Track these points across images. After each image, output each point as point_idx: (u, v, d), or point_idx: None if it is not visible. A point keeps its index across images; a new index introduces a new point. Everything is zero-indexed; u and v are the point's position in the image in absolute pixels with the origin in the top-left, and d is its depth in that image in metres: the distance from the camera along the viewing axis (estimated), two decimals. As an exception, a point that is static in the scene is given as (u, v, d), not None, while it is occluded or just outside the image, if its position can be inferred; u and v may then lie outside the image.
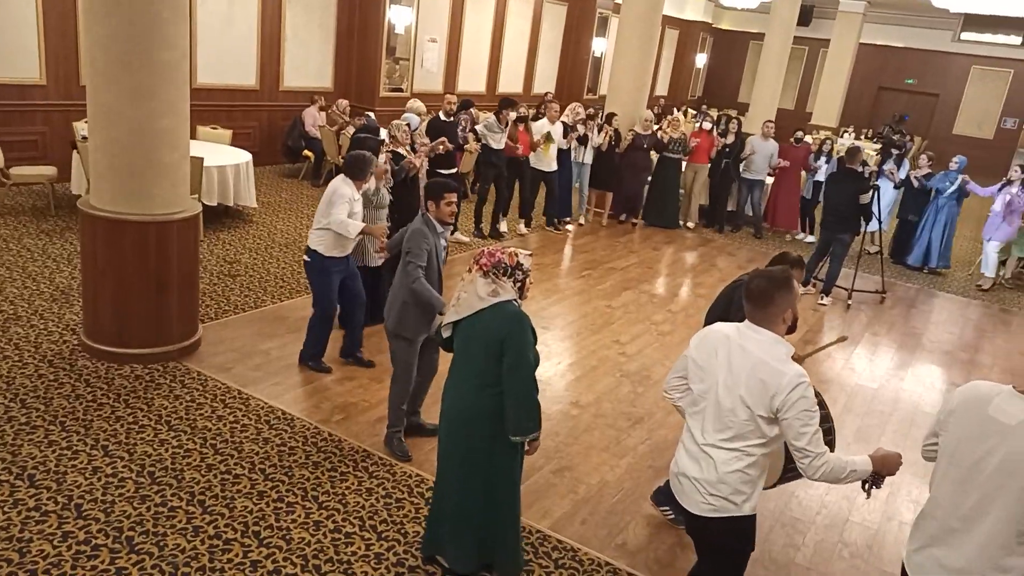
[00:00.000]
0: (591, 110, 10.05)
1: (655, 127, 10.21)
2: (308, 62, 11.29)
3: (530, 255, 3.19)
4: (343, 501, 3.85)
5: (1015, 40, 21.16)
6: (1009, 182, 9.43)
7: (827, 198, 8.20)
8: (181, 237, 4.88)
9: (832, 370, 6.47)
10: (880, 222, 9.08)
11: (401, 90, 12.39)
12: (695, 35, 23.32)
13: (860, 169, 8.03)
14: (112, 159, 4.61)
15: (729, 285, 4.14)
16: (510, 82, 16.13)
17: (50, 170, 7.70)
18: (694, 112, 17.98)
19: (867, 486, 2.62)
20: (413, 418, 4.49)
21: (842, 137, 17.90)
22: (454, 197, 4.13)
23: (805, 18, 19.60)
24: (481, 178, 9.13)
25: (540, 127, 9.05)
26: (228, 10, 9.92)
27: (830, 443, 3.08)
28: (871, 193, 7.74)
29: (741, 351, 2.58)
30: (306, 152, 10.42)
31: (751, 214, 10.79)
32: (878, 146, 18.95)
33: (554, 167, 9.20)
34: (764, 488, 2.79)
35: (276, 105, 10.89)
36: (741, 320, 2.70)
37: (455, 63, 14.34)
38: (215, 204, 7.67)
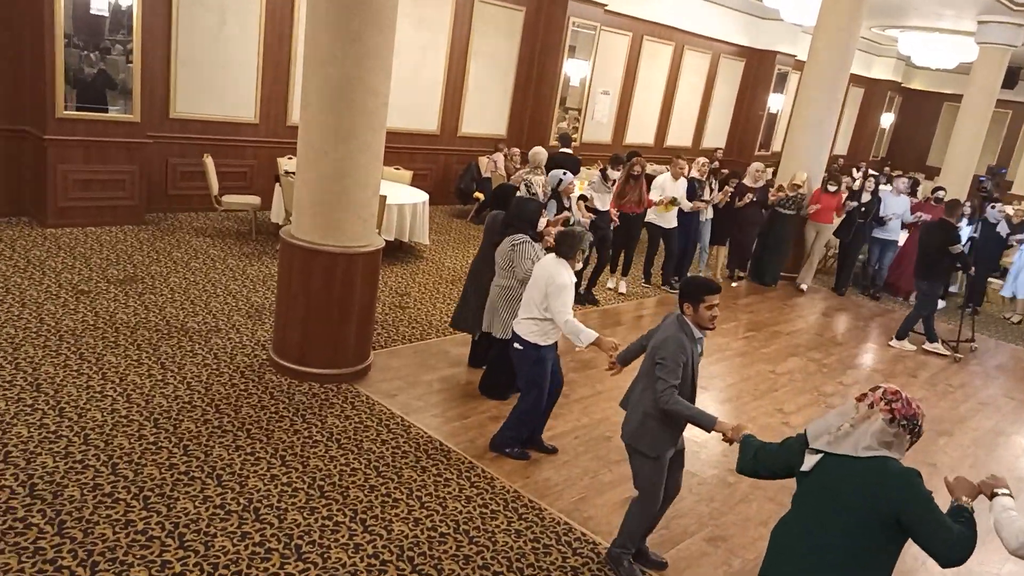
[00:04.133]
0: (716, 163, 9.62)
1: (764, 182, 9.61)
2: (486, 111, 11.87)
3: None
4: (492, 539, 3.90)
5: None
6: None
7: (920, 248, 8.23)
8: (365, 269, 5.24)
9: (1030, 468, 5.78)
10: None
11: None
12: (882, 94, 22.18)
13: (956, 223, 8.12)
14: (314, 194, 5.06)
15: None
16: (679, 135, 16.08)
17: (255, 200, 8.56)
18: (874, 173, 16.96)
19: None
20: (641, 545, 3.95)
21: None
22: (716, 299, 3.52)
23: (1011, 80, 18.06)
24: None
25: (661, 183, 8.44)
26: (420, 60, 10.67)
27: None
28: (962, 244, 7.96)
29: None
30: (477, 194, 10.88)
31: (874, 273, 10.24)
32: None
33: (674, 223, 8.58)
34: None
35: (453, 149, 11.50)
36: None
37: (625, 115, 14.52)
38: (392, 239, 8.17)
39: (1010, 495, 2.53)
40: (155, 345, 5.47)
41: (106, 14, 7.44)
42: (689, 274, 9.20)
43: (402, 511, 4.01)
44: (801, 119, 10.34)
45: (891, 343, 8.21)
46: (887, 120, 23.16)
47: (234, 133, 9.14)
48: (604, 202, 7.86)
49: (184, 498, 3.83)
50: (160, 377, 5.03)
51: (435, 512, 4.05)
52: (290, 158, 8.89)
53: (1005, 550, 2.42)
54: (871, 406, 2.54)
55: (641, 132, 15.05)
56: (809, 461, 2.59)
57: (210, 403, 4.81)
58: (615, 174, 8.00)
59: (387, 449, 4.60)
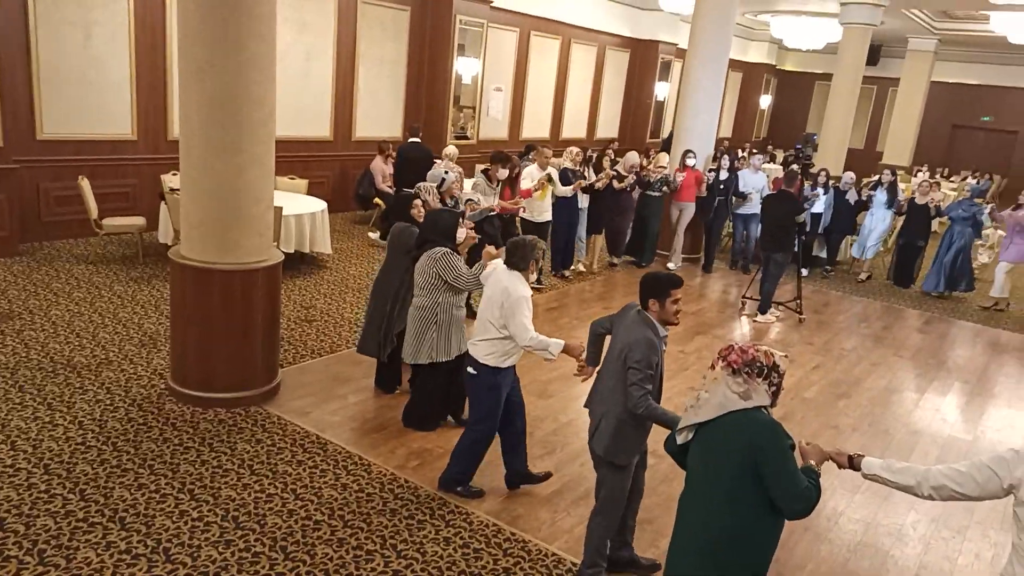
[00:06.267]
0: (590, 153, 9.54)
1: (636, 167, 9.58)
2: (379, 113, 11.66)
3: (785, 356, 2.74)
4: (421, 550, 3.82)
5: (1099, 74, 20.32)
6: (1019, 205, 9.71)
7: (763, 220, 8.56)
8: (265, 284, 5.03)
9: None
10: (864, 248, 10.52)
11: (467, 137, 12.65)
12: (759, 77, 23.22)
13: (795, 191, 8.50)
14: (203, 211, 4.81)
15: None
16: (574, 128, 16.32)
17: (140, 220, 8.09)
18: (756, 152, 17.77)
19: None
20: (624, 552, 3.85)
21: (915, 176, 17.39)
22: (680, 292, 3.44)
23: (873, 57, 19.31)
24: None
25: (530, 174, 8.07)
26: (306, 65, 10.37)
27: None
28: (804, 214, 8.36)
29: None
30: (377, 200, 10.68)
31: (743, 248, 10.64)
32: (954, 185, 18.43)
33: (547, 217, 8.28)
34: None
35: (349, 155, 11.24)
36: None
37: (520, 110, 14.60)
38: (292, 251, 7.90)
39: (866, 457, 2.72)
40: (39, 385, 5.08)
41: (-47, 31, 6.85)
42: (579, 266, 9.36)
43: (324, 533, 3.87)
44: (688, 105, 10.66)
45: (757, 318, 8.37)
46: (765, 101, 24.30)
47: (111, 152, 8.61)
48: (491, 203, 7.46)
49: (85, 546, 3.56)
50: (48, 419, 4.66)
51: (359, 530, 3.93)
52: (174, 174, 8.43)
53: (914, 499, 2.56)
54: (712, 367, 2.70)
55: (536, 126, 15.18)
56: (684, 437, 2.73)
57: (106, 441, 4.50)
58: (504, 172, 7.52)
59: (304, 470, 4.43)
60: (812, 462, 2.69)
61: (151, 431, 4.67)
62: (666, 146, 13.92)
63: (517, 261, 4.08)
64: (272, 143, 4.95)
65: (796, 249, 8.30)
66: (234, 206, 4.80)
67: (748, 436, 2.53)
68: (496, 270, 4.23)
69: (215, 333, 4.94)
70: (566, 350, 4.03)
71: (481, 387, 4.19)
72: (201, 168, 4.75)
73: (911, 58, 19.86)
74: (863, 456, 2.73)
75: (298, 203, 8.34)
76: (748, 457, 2.51)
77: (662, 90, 17.91)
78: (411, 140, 9.98)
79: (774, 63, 24.06)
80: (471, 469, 4.34)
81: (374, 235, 9.95)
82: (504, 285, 4.04)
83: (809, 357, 7.41)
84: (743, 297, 8.74)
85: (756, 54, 22.64)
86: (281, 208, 7.36)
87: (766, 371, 2.61)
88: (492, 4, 12.34)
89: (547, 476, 4.53)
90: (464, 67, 12.07)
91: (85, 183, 7.81)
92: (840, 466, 2.78)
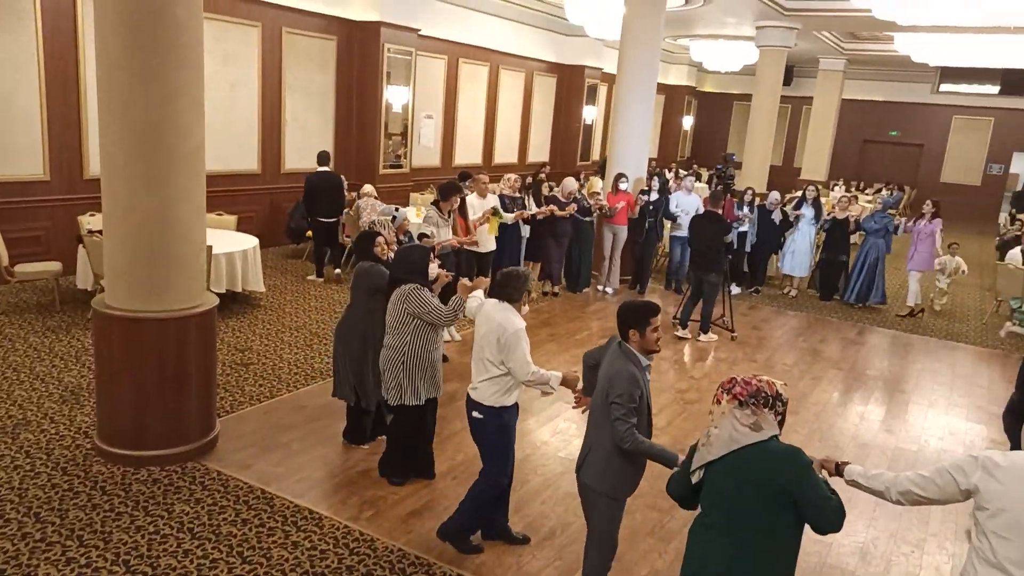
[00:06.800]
0: (529, 179, 9.55)
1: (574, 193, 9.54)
2: (309, 144, 11.36)
3: (785, 384, 2.72)
4: (383, 609, 3.60)
5: (992, 89, 21.70)
6: (921, 215, 10.29)
7: (692, 241, 8.67)
8: (199, 331, 4.73)
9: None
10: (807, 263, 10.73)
11: (400, 166, 12.48)
12: (680, 98, 23.89)
13: (721, 212, 8.50)
14: (128, 253, 4.50)
15: None
16: (505, 153, 16.35)
17: (55, 266, 7.58)
18: (684, 172, 18.21)
19: None
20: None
21: (832, 190, 18.13)
22: (659, 320, 3.40)
23: (787, 78, 20.11)
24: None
25: (471, 204, 7.77)
26: (229, 97, 10.02)
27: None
28: (732, 234, 8.53)
29: None
30: (309, 232, 10.36)
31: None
32: (869, 197, 19.28)
33: (492, 247, 8.01)
34: None
35: (278, 188, 10.91)
36: None
37: (451, 137, 14.53)
38: (223, 291, 7.54)
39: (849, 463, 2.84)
40: (-53, 453, 4.63)
41: None
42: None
43: (278, 598, 3.61)
44: (620, 129, 10.78)
45: (699, 339, 8.39)
46: (688, 122, 25.00)
47: (21, 193, 8.08)
48: (447, 235, 7.22)
49: (7, 638, 3.20)
50: (-42, 492, 4.24)
51: (315, 591, 3.68)
52: (92, 215, 7.99)
53: (871, 516, 2.62)
54: (718, 402, 2.65)
55: (468, 152, 15.12)
56: (697, 473, 2.68)
57: (27, 512, 4.11)
58: (456, 201, 7.25)
59: (250, 530, 4.14)
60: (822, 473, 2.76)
61: (78, 497, 4.30)
62: (601, 171, 14.04)
63: (511, 292, 3.90)
64: (202, 177, 4.69)
65: (725, 268, 8.40)
66: (162, 246, 4.51)
67: (774, 469, 2.51)
68: (484, 306, 4.02)
69: (146, 386, 4.60)
70: (564, 382, 3.91)
71: (490, 430, 3.97)
72: (126, 206, 4.44)
73: (822, 77, 20.77)
74: (847, 463, 2.82)
75: (228, 240, 7.98)
76: (776, 490, 2.50)
77: (590, 113, 18.17)
78: (320, 169, 9.63)
79: (694, 85, 24.81)
80: (477, 520, 4.10)
81: (311, 277, 9.60)
82: (498, 320, 3.84)
83: (754, 373, 7.48)
84: (673, 319, 8.71)
85: (676, 76, 23.30)
86: (211, 247, 7.02)
87: (771, 400, 2.61)
88: (420, 32, 12.26)
89: (526, 540, 4.27)
90: (394, 95, 11.93)
91: (-8, 228, 7.29)
92: (829, 473, 2.82)
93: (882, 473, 2.74)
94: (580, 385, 3.90)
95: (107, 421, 4.74)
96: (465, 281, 4.47)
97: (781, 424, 2.63)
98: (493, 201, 8.12)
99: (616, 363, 3.35)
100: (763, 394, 2.60)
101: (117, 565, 3.74)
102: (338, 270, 9.77)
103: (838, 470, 2.81)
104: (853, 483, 2.77)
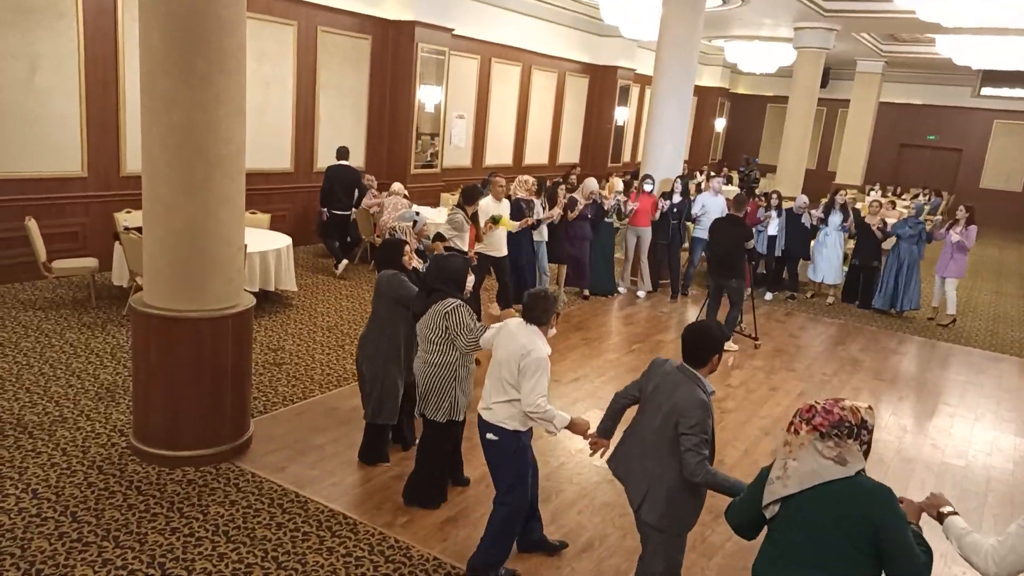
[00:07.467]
0: (548, 183, 9.40)
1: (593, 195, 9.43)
2: (342, 143, 11.34)
3: (870, 408, 2.49)
4: (420, 620, 3.53)
5: (1036, 94, 21.15)
6: (955, 221, 9.87)
7: (711, 245, 8.28)
8: (236, 332, 4.70)
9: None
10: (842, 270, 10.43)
11: (432, 166, 12.44)
12: (713, 100, 23.62)
13: (744, 217, 8.17)
14: (168, 254, 4.48)
15: None
16: (536, 154, 16.26)
17: (91, 262, 7.63)
18: (714, 175, 17.99)
19: None
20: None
21: (868, 195, 17.77)
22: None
23: (823, 80, 19.78)
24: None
25: (484, 207, 7.66)
26: (265, 95, 10.05)
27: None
28: (755, 238, 8.28)
29: None
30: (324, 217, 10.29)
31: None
32: (906, 203, 18.87)
33: (503, 251, 7.86)
34: None
35: (311, 186, 10.91)
36: None
37: (482, 137, 14.48)
38: (256, 290, 7.54)
39: (956, 513, 2.52)
40: (-14, 449, 4.65)
41: None
42: None
43: (313, 606, 3.55)
44: (656, 132, 10.62)
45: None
46: (720, 125, 24.71)
47: (59, 189, 8.15)
48: (464, 241, 7.11)
49: (44, 640, 3.18)
50: (-4, 489, 4.25)
51: (351, 600, 3.62)
52: (129, 212, 8.04)
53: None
54: (796, 433, 2.44)
55: (499, 153, 15.06)
56: (772, 508, 2.47)
57: (64, 511, 4.10)
58: (477, 205, 7.28)
59: (284, 534, 4.09)
60: (912, 524, 2.46)
61: (114, 497, 4.28)
62: (634, 178, 13.71)
63: (539, 315, 3.68)
64: (242, 180, 4.66)
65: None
66: (202, 248, 4.48)
67: (863, 509, 2.31)
68: (507, 325, 3.81)
69: (182, 386, 4.58)
70: (571, 426, 3.69)
71: (506, 453, 3.76)
72: (167, 208, 4.42)
73: (860, 80, 20.40)
74: (949, 514, 2.51)
75: (262, 239, 7.98)
76: (863, 531, 2.30)
77: (621, 115, 18.01)
78: (339, 163, 9.71)
79: (727, 86, 24.52)
80: (507, 550, 3.87)
81: (338, 272, 9.59)
82: (522, 342, 3.64)
83: (793, 384, 7.31)
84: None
85: (710, 78, 23.03)
86: (246, 246, 7.02)
87: (856, 430, 2.38)
88: (453, 32, 12.22)
89: (564, 545, 4.19)
90: (426, 95, 11.90)
91: (32, 224, 7.34)
92: (931, 516, 2.57)
93: (976, 542, 2.38)
94: (591, 429, 3.71)
95: (142, 421, 4.73)
96: (492, 311, 4.33)
97: (866, 454, 2.42)
98: (506, 206, 8.03)
99: (682, 389, 3.14)
100: (847, 424, 2.37)
101: (153, 568, 3.71)
102: (344, 261, 9.72)
103: (939, 517, 2.53)
104: (957, 537, 2.46)
